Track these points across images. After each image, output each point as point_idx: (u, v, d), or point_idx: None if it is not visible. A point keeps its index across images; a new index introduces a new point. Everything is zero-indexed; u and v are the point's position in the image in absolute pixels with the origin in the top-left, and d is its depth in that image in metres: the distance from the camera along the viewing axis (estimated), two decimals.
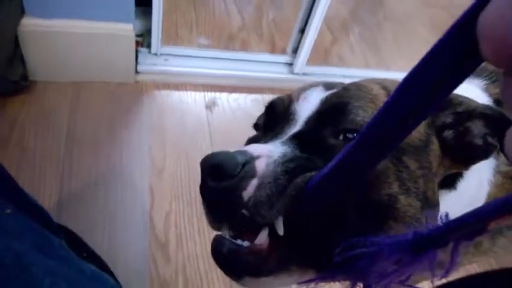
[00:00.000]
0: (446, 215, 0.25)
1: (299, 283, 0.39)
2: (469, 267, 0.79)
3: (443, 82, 0.23)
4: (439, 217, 0.26)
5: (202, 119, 1.14)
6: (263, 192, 0.35)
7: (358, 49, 1.56)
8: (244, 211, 0.35)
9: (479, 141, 0.40)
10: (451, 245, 0.26)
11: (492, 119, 0.40)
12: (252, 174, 0.35)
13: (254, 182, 0.35)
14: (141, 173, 0.98)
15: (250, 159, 0.36)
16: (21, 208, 0.48)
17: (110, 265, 0.76)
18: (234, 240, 0.37)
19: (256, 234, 0.37)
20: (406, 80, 0.24)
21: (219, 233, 0.40)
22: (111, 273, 0.73)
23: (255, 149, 0.38)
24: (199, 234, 0.90)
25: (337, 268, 0.32)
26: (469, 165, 0.42)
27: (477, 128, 0.40)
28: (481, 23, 0.16)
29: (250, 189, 0.35)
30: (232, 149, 0.52)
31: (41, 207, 0.54)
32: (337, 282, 0.36)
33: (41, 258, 0.40)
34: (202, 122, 1.13)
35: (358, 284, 0.32)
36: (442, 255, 0.27)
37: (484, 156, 0.40)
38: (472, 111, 0.41)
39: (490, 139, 0.40)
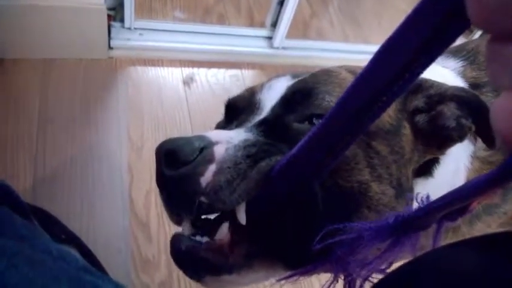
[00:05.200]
0: (428, 197, 0.25)
1: (279, 280, 0.37)
2: None
3: (423, 49, 0.21)
4: (419, 199, 0.25)
5: (180, 95, 1.12)
6: (222, 177, 0.33)
7: (338, 23, 1.55)
8: (203, 198, 0.33)
9: (452, 124, 0.39)
10: (431, 229, 0.26)
11: (465, 100, 0.39)
12: (210, 159, 0.33)
13: (212, 167, 0.33)
14: (119, 151, 0.96)
15: (209, 145, 0.34)
16: None
17: (90, 246, 0.75)
18: (192, 237, 0.35)
19: (216, 230, 0.35)
20: (384, 46, 0.22)
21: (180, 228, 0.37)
22: (91, 255, 0.73)
23: (214, 134, 0.36)
24: None
25: (316, 260, 0.31)
26: (444, 149, 0.41)
27: (450, 110, 0.39)
28: None
29: (208, 175, 0.33)
30: (211, 127, 0.50)
31: (5, 186, 0.51)
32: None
33: None
34: (180, 99, 1.11)
35: (340, 275, 0.31)
36: (423, 240, 0.27)
37: (458, 138, 0.39)
38: (444, 94, 0.40)
39: (464, 121, 0.39)
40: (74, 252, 0.69)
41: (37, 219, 0.59)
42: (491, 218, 0.48)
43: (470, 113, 0.38)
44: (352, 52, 1.39)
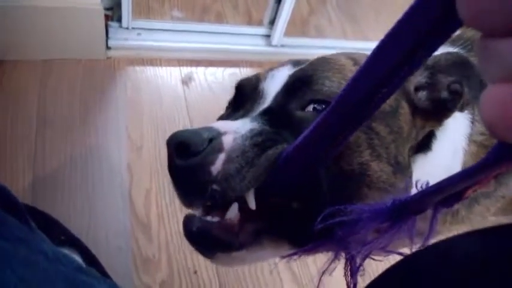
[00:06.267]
0: (427, 184, 0.25)
1: (282, 257, 0.39)
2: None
3: (421, 42, 0.22)
4: (419, 185, 0.26)
5: (179, 94, 1.11)
6: (232, 165, 0.34)
7: (336, 19, 1.54)
8: (215, 186, 0.34)
9: (446, 95, 0.41)
10: (429, 214, 0.26)
11: (454, 62, 0.41)
12: (219, 148, 0.35)
13: (222, 157, 0.35)
14: (119, 152, 0.96)
15: (217, 135, 0.36)
16: None
17: (91, 247, 0.75)
18: (204, 217, 0.37)
19: (226, 210, 0.37)
20: (383, 40, 0.23)
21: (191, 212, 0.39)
22: (92, 256, 0.72)
23: (222, 125, 0.38)
24: (181, 211, 0.89)
25: (317, 239, 0.33)
26: (442, 120, 0.43)
27: (444, 78, 0.41)
28: None
29: (218, 164, 0.34)
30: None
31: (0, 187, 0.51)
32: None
33: None
34: (179, 98, 1.11)
35: (341, 254, 0.32)
36: (421, 224, 0.28)
37: (452, 106, 0.41)
38: (438, 62, 0.42)
39: (453, 86, 0.41)
40: (74, 254, 0.68)
41: (36, 222, 0.58)
42: (490, 202, 0.50)
43: (457, 71, 0.41)
44: (351, 49, 1.38)
